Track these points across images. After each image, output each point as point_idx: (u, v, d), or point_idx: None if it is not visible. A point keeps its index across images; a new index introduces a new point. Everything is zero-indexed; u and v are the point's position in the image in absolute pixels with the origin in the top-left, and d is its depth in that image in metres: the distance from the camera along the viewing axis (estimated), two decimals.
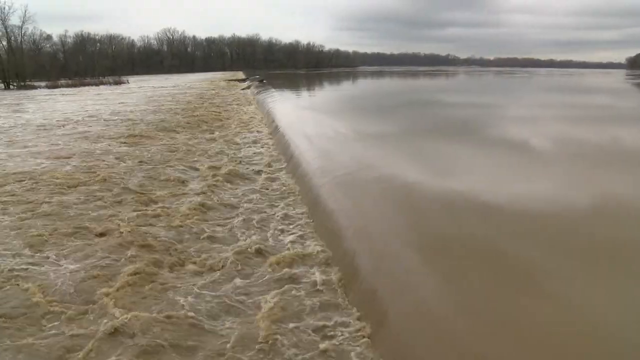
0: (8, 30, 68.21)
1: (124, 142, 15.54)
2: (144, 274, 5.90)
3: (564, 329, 4.02)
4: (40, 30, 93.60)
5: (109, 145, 14.97)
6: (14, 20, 72.62)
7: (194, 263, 6.41)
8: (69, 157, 13.14)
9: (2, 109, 28.98)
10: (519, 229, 6.27)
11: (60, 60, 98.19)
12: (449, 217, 6.77)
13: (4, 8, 66.98)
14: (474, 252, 5.57)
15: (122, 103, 32.60)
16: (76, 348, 4.43)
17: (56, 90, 53.70)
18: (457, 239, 6.00)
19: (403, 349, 4.20)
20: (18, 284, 5.63)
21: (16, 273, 5.91)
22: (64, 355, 4.35)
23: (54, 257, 6.47)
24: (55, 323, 4.88)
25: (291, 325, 4.83)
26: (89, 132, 18.15)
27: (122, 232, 7.28)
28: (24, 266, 6.14)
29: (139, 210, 8.49)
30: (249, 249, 6.75)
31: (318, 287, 5.63)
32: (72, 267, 6.14)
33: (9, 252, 6.55)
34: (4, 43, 68.40)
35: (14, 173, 11.19)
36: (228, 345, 4.52)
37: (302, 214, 8.41)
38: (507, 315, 4.26)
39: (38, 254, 6.54)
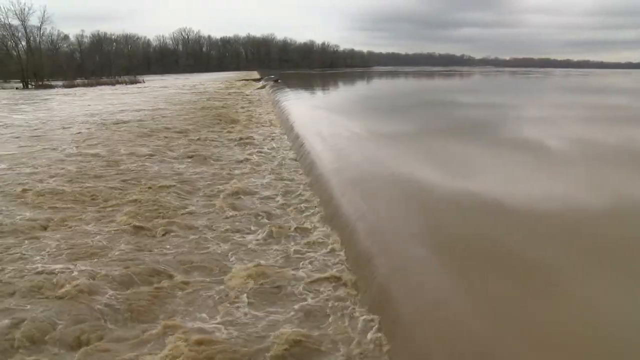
0: (27, 30, 69.23)
1: None
2: None
3: (574, 329, 4.08)
4: (58, 31, 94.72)
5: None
6: (33, 20, 73.52)
7: None
8: None
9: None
10: (532, 229, 6.31)
11: (77, 60, 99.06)
12: (460, 216, 6.82)
13: (24, 9, 67.88)
14: (485, 251, 5.63)
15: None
16: None
17: (72, 90, 54.27)
18: (468, 237, 6.06)
19: (415, 345, 4.27)
20: None
21: None
22: None
23: None
24: None
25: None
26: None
27: None
28: None
29: None
30: None
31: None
32: None
33: None
34: (23, 43, 69.40)
35: None
36: None
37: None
38: (518, 314, 4.31)
39: None
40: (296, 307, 5.27)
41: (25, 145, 15.49)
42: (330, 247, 6.91)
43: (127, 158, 13.32)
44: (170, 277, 5.95)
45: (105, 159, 13.07)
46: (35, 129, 19.28)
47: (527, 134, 15.16)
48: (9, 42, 69.72)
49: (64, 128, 19.49)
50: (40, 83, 62.60)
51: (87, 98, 38.71)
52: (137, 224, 7.80)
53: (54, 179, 10.88)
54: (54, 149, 14.74)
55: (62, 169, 11.89)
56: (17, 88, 58.48)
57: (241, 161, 13.11)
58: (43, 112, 27.00)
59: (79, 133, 17.99)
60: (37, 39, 73.56)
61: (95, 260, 6.39)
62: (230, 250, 6.93)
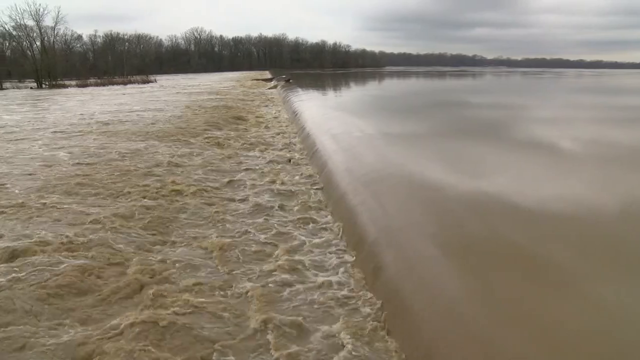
0: (42, 31, 70.02)
1: None
2: None
3: (584, 329, 4.06)
4: (72, 31, 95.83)
5: None
6: (47, 21, 74.24)
7: None
8: None
9: None
10: (544, 229, 6.25)
11: (90, 60, 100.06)
12: (474, 217, 6.75)
13: (39, 10, 68.63)
14: (499, 251, 5.58)
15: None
16: None
17: (84, 90, 54.75)
18: (479, 237, 6.04)
19: (424, 341, 4.28)
20: None
21: None
22: None
23: None
24: None
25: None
26: None
27: None
28: None
29: None
30: None
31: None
32: None
33: None
34: (38, 44, 70.22)
35: None
36: None
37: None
38: (526, 313, 4.28)
39: None
40: None
41: None
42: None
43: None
44: None
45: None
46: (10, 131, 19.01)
47: (540, 134, 15.02)
48: (24, 43, 70.71)
49: (41, 129, 19.27)
50: (53, 83, 63.20)
51: (86, 99, 38.23)
52: None
53: None
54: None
55: None
56: (31, 87, 59.15)
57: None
58: (35, 112, 26.84)
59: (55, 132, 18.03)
60: (51, 39, 74.55)
61: None
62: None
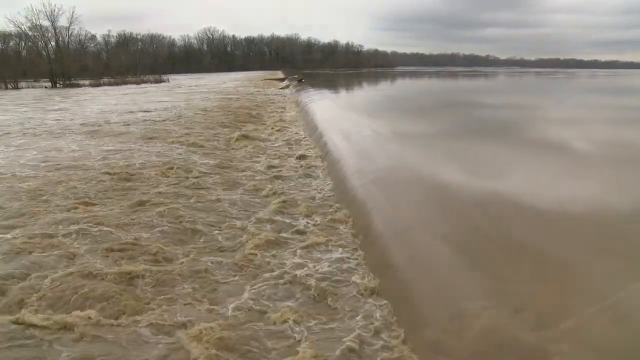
0: (57, 31, 70.75)
1: None
2: None
3: (593, 329, 4.03)
4: (86, 31, 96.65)
5: None
6: (62, 21, 74.82)
7: None
8: None
9: None
10: (555, 231, 6.22)
11: (104, 60, 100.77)
12: (482, 217, 6.74)
13: (54, 10, 69.29)
14: (506, 251, 5.58)
15: None
16: None
17: (96, 89, 55.17)
18: (491, 237, 6.03)
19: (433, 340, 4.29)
20: None
21: None
22: None
23: None
24: None
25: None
26: None
27: None
28: None
29: None
30: None
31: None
32: None
33: None
34: (53, 43, 70.95)
35: None
36: None
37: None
38: (537, 315, 4.25)
39: None
40: None
41: None
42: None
43: None
44: None
45: None
46: None
47: (552, 134, 14.89)
48: (40, 43, 71.49)
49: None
50: (67, 82, 63.76)
51: (86, 99, 38.30)
52: None
53: None
54: None
55: None
56: (45, 87, 59.76)
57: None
58: (32, 112, 26.90)
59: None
60: (66, 39, 75.32)
61: None
62: None
